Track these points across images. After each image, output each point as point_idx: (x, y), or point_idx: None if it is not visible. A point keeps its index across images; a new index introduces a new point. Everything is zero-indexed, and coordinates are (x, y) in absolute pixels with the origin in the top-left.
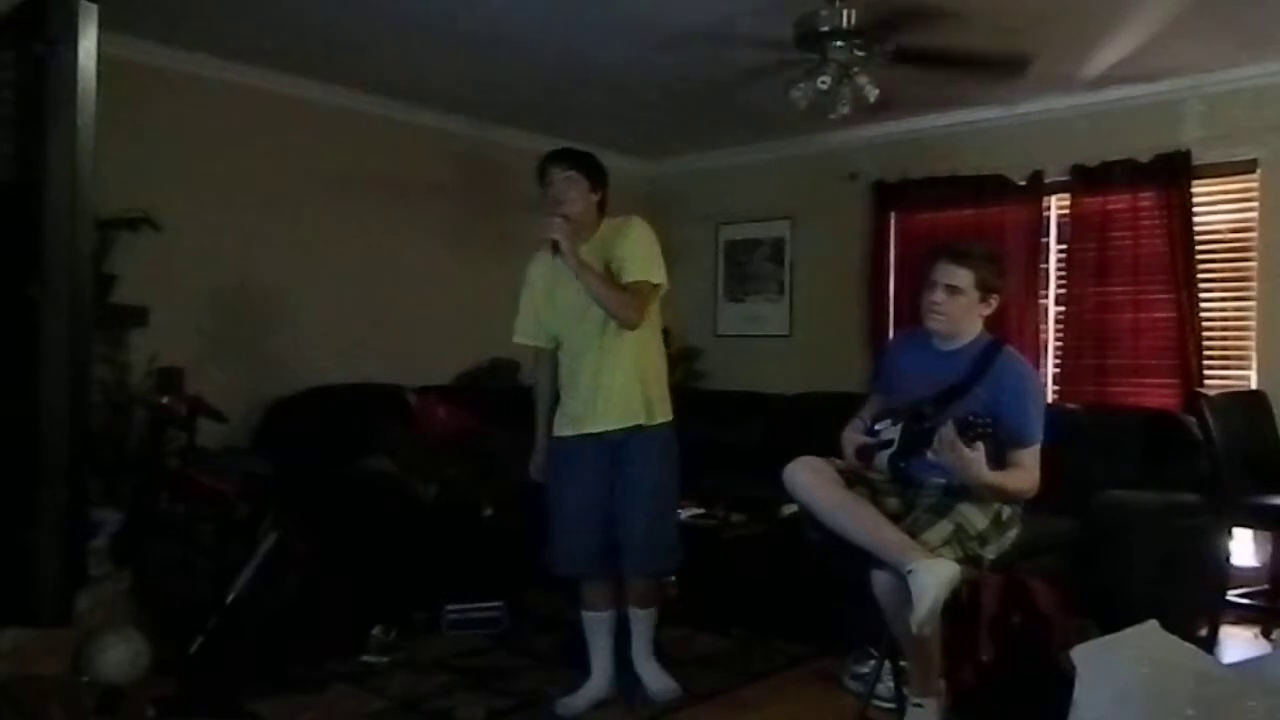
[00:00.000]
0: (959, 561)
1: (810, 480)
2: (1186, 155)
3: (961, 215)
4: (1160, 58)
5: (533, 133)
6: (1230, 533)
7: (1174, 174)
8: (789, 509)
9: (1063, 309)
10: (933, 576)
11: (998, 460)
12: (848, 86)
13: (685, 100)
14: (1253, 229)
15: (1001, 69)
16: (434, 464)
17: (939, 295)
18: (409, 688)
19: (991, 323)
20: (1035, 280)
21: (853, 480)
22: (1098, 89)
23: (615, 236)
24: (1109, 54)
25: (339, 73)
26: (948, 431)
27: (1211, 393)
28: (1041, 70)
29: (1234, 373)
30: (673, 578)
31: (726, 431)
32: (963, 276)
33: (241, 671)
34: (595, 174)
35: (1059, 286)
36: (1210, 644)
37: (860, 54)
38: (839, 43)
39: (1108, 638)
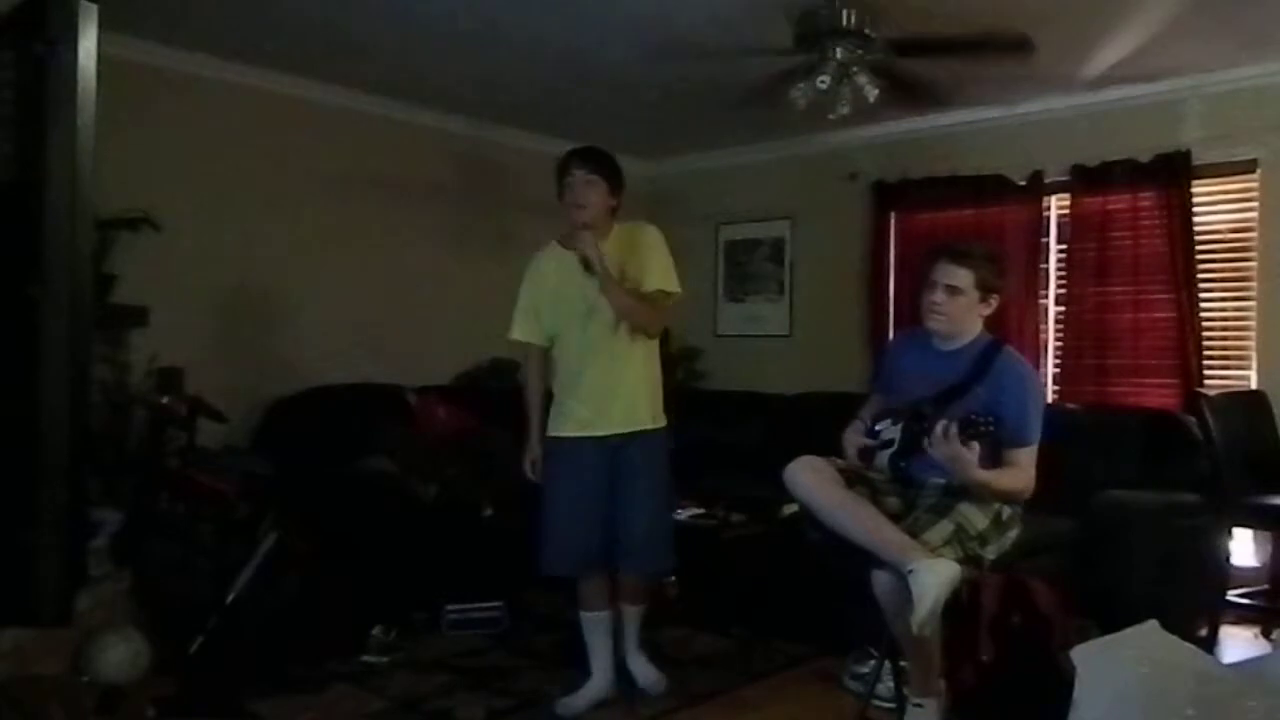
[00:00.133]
0: (959, 561)
1: (810, 480)
2: (1186, 155)
3: (961, 215)
4: (1160, 58)
5: (533, 133)
6: (1230, 533)
7: (1174, 174)
8: (789, 509)
9: (1063, 309)
10: (933, 576)
11: (995, 460)
12: (847, 86)
13: (685, 100)
14: (1253, 229)
15: (1003, 50)
16: (434, 464)
17: (939, 295)
18: (409, 688)
19: (991, 323)
20: (1035, 280)
21: (853, 480)
22: (1098, 89)
23: (629, 242)
24: (1109, 54)
25: (339, 73)
26: (944, 426)
27: (1211, 393)
28: (1041, 70)
29: (1234, 373)
30: (673, 578)
31: (726, 431)
32: (963, 276)
33: (241, 671)
34: (616, 178)
35: (1059, 286)
36: (1210, 644)
37: (860, 54)
38: (839, 43)
39: (1108, 638)
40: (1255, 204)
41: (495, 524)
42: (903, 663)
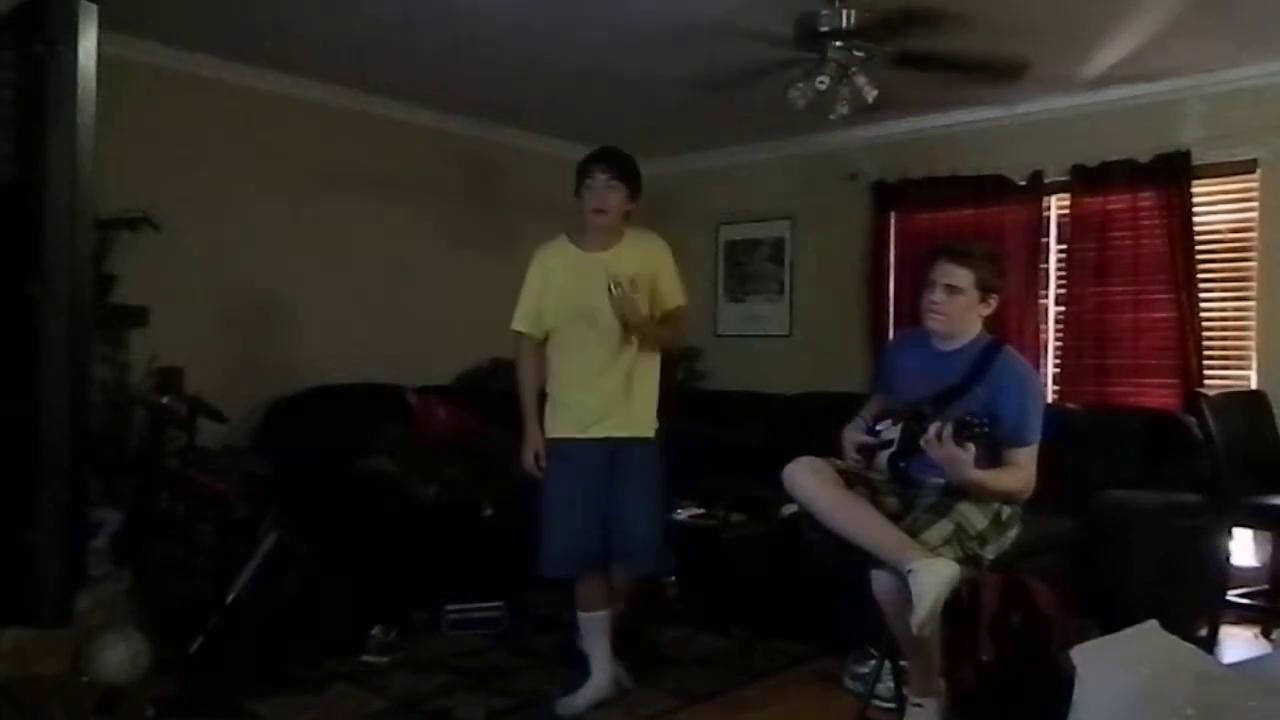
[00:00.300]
0: (959, 561)
1: (810, 480)
2: (1186, 155)
3: (961, 215)
4: (1160, 58)
5: (533, 133)
6: (1230, 533)
7: (1174, 174)
8: (789, 509)
9: (1063, 309)
10: (933, 576)
11: (993, 460)
12: (847, 86)
13: (685, 100)
14: (1253, 229)
15: (999, 73)
16: (434, 464)
17: (938, 295)
18: (409, 688)
19: (991, 323)
20: (1035, 280)
21: (853, 480)
22: (1098, 89)
23: (643, 253)
24: (1109, 54)
25: (339, 73)
26: (939, 428)
27: (1211, 393)
28: (1041, 70)
29: (1234, 373)
30: (673, 578)
31: (726, 431)
32: (962, 276)
33: (241, 671)
34: (636, 183)
35: (1059, 286)
36: (1210, 644)
37: (860, 54)
38: (838, 43)
39: (1108, 638)
40: (1255, 204)
41: (495, 524)
42: (903, 663)
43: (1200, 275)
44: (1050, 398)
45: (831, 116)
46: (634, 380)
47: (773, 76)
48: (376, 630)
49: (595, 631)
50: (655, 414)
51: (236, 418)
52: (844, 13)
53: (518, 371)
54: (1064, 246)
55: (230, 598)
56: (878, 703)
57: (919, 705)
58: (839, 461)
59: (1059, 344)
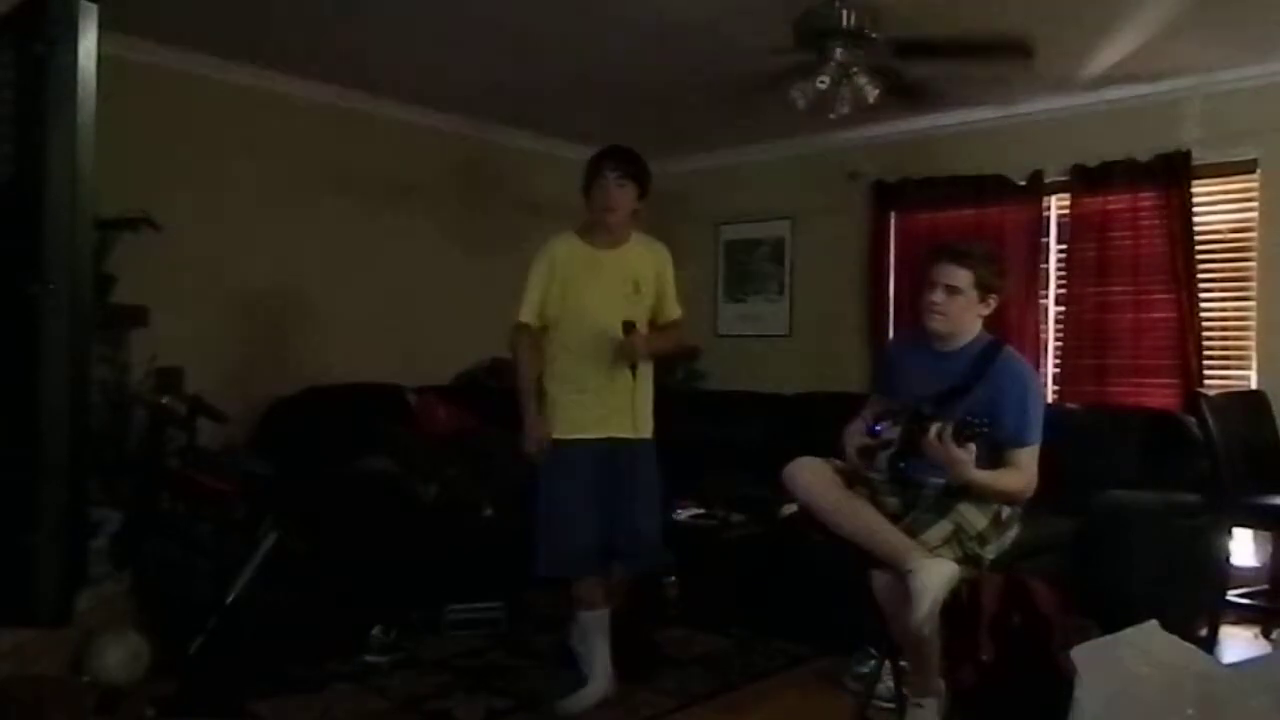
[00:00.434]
0: (958, 561)
1: (810, 480)
2: (1186, 155)
3: (961, 215)
4: (1160, 58)
5: (533, 133)
6: (1230, 533)
7: (1174, 174)
8: (789, 509)
9: (1063, 309)
10: (932, 576)
11: (994, 460)
12: (847, 86)
13: (685, 100)
14: (1253, 229)
15: (1008, 53)
16: (434, 464)
17: (938, 295)
18: (409, 688)
19: (991, 323)
20: (1035, 280)
21: (853, 480)
22: (1098, 89)
23: (649, 255)
24: (1109, 54)
25: (339, 73)
26: (938, 429)
27: (1211, 393)
28: (1041, 70)
29: (1234, 373)
30: (673, 577)
31: (726, 431)
32: (962, 276)
33: (241, 671)
34: (645, 182)
35: (1059, 286)
36: (1210, 644)
37: (860, 54)
38: (839, 43)
39: (1108, 638)
40: (1255, 204)
41: (495, 524)
42: (903, 663)
43: (1200, 275)
44: (1050, 398)
45: (832, 116)
46: (639, 385)
47: (773, 76)
48: (376, 630)
49: (595, 630)
50: (652, 414)
51: (236, 418)
52: (844, 12)
53: (518, 362)
54: (1064, 246)
55: (230, 598)
56: (878, 703)
57: (919, 705)
58: (839, 461)
59: (1059, 344)
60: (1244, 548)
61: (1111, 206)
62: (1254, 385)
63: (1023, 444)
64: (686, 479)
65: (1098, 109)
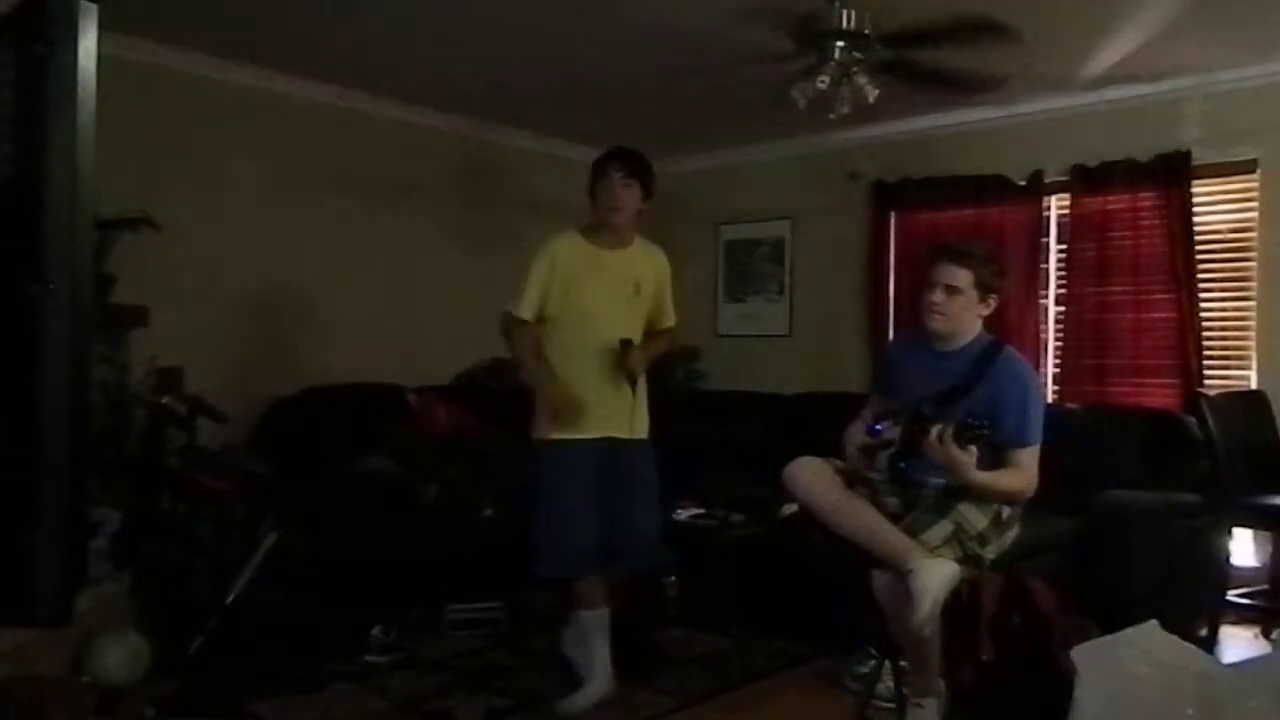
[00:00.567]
0: (959, 561)
1: (810, 480)
2: (1186, 155)
3: (961, 215)
4: (1160, 58)
5: (533, 133)
6: (1230, 533)
7: (1174, 174)
8: (789, 509)
9: (1063, 309)
10: (932, 576)
11: (994, 461)
12: (847, 86)
13: (685, 100)
14: (1253, 229)
15: (973, 88)
16: (434, 464)
17: (938, 295)
18: (409, 688)
19: (991, 323)
20: (1035, 280)
21: (853, 480)
22: (1098, 89)
23: (651, 260)
24: (1109, 54)
25: (339, 73)
26: (939, 431)
27: (1211, 393)
28: (1041, 70)
29: (1234, 373)
30: (673, 578)
31: (726, 431)
32: (962, 276)
33: (241, 671)
34: (650, 183)
35: (1059, 286)
36: (1210, 644)
37: (860, 54)
38: (839, 42)
39: (1108, 638)
40: (1255, 204)
41: (495, 524)
42: (903, 663)
43: (1200, 275)
44: (1050, 398)
45: (832, 116)
46: (645, 387)
47: (773, 76)
48: (376, 630)
49: (595, 630)
50: (648, 415)
51: (236, 418)
52: (844, 13)
53: (516, 346)
54: (1064, 246)
55: (230, 598)
56: (878, 703)
57: (919, 705)
58: (839, 461)
59: (1059, 344)
60: (1244, 548)
61: (1111, 206)
62: (1254, 385)
63: (1023, 444)
64: (686, 479)
65: (1098, 109)
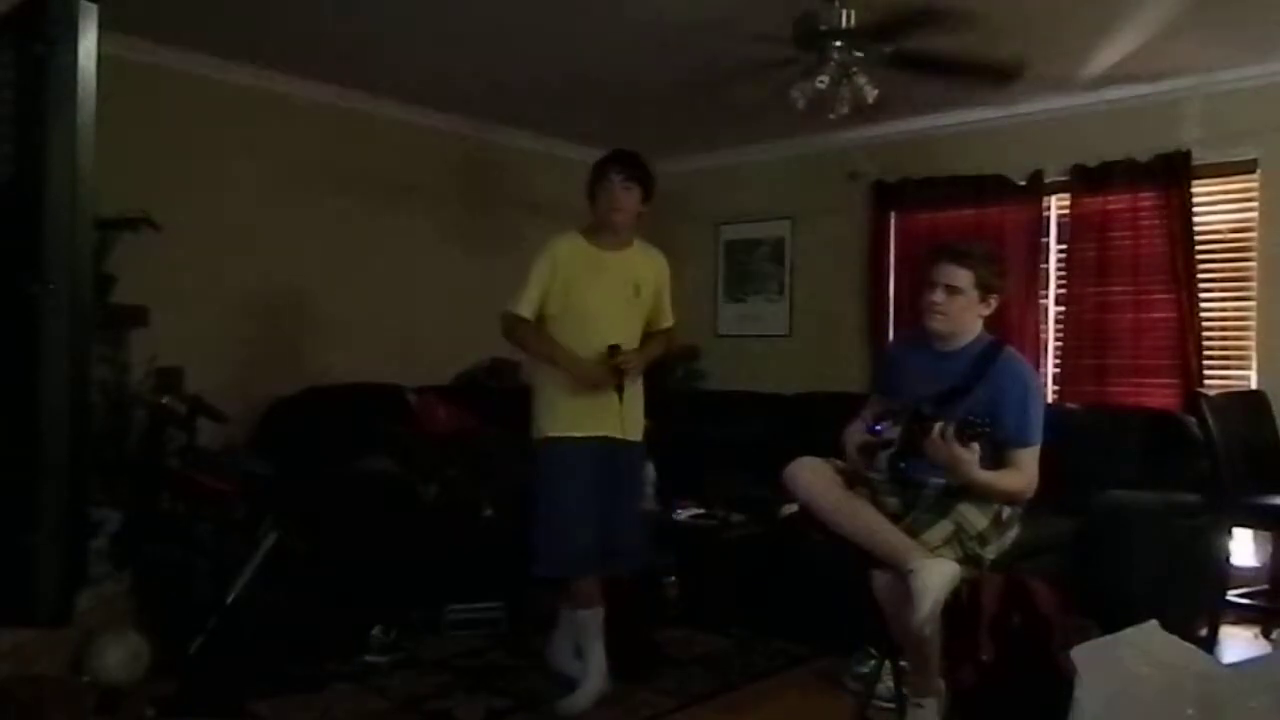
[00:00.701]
0: (959, 561)
1: (810, 480)
2: (1186, 155)
3: (961, 215)
4: (1160, 58)
5: (533, 133)
6: (1230, 533)
7: (1174, 174)
8: (789, 509)
9: (1063, 309)
10: (933, 576)
11: (995, 461)
12: (847, 87)
13: (685, 100)
14: (1253, 229)
15: (996, 76)
16: (434, 464)
17: (938, 295)
18: (409, 688)
19: (991, 323)
20: (1035, 280)
21: (853, 480)
22: (1098, 89)
23: (648, 263)
24: (1109, 54)
25: (339, 73)
26: (941, 429)
27: (1211, 393)
28: (1041, 70)
29: (1234, 373)
30: (673, 578)
31: (726, 431)
32: (962, 276)
33: (241, 671)
34: (650, 186)
35: (1059, 286)
36: (1210, 644)
37: (859, 54)
38: (838, 43)
39: (1108, 638)
40: (1255, 204)
41: (495, 524)
42: (903, 663)
43: (1200, 275)
44: (1050, 398)
45: (832, 116)
46: (635, 387)
47: (773, 76)
48: (376, 630)
49: (592, 629)
50: (643, 419)
51: (236, 418)
52: (844, 13)
53: (528, 341)
54: (1064, 246)
55: (230, 598)
56: (878, 703)
57: (919, 705)
58: (839, 461)
59: (1059, 344)
60: (1244, 548)
61: (1111, 206)
62: (1254, 385)
63: (1024, 444)
64: (686, 479)
65: (1098, 109)
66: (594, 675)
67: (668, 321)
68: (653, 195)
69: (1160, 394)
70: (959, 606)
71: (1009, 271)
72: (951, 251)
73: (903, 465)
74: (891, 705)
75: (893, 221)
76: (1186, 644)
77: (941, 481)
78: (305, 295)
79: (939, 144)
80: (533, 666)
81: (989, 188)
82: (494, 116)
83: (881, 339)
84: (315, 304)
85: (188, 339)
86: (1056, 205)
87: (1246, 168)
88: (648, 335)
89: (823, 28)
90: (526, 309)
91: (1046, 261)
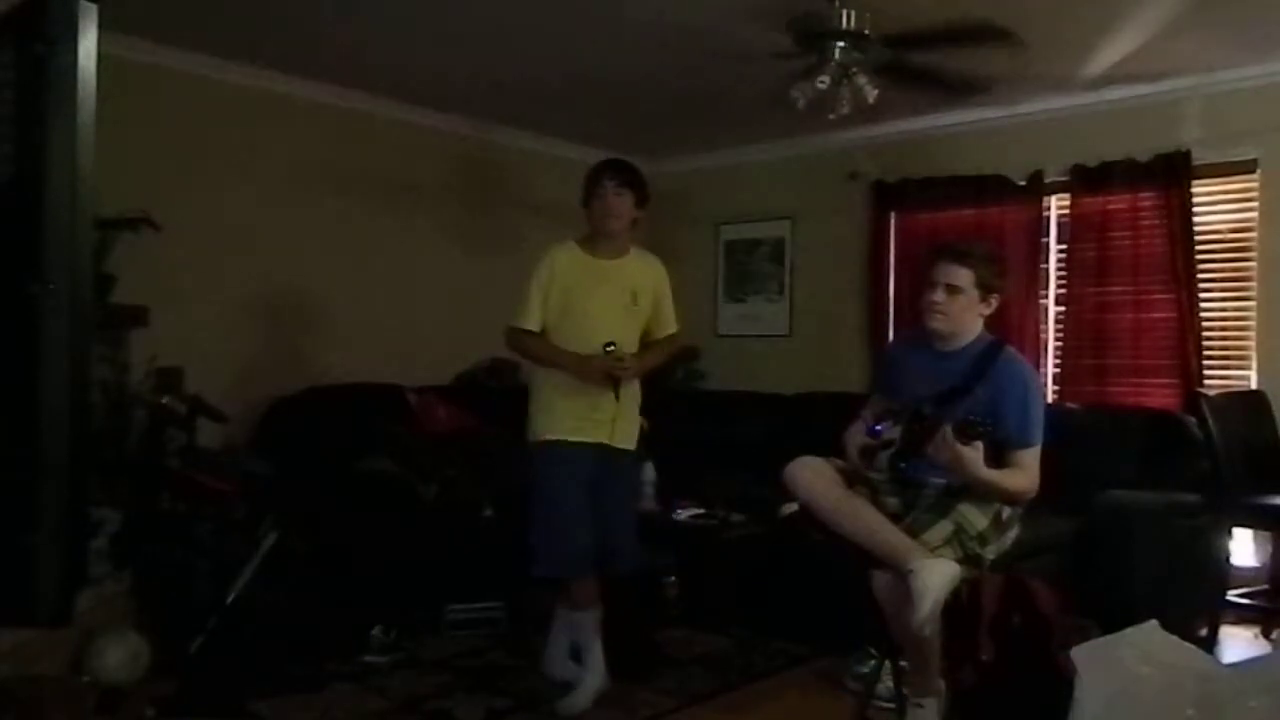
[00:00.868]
0: (959, 561)
1: (810, 480)
2: (1186, 155)
3: (961, 215)
4: (1160, 58)
5: (534, 133)
6: (1230, 533)
7: (1174, 174)
8: (789, 508)
9: (1063, 309)
10: (933, 576)
11: (997, 461)
12: (847, 86)
13: (685, 100)
14: (1253, 229)
15: (963, 92)
16: (434, 464)
17: (939, 295)
18: (409, 688)
19: (991, 323)
20: (1035, 280)
21: (853, 480)
22: (1098, 89)
23: (647, 269)
24: (1109, 54)
25: (339, 73)
26: (944, 432)
27: (1211, 393)
28: (1041, 70)
29: (1234, 373)
30: (673, 578)
31: (726, 431)
32: (963, 276)
33: (241, 671)
34: (643, 192)
35: (1059, 286)
36: (1210, 644)
37: (860, 55)
38: (839, 43)
39: (1108, 638)
40: (1255, 204)
41: (495, 524)
42: (903, 663)
43: (1200, 275)
44: (1050, 398)
45: (832, 116)
46: (632, 392)
47: (774, 77)
48: (376, 630)
49: (589, 628)
50: (637, 427)
51: (236, 418)
52: (844, 13)
53: (525, 347)
54: (1064, 246)
55: (230, 598)
56: (878, 703)
57: (919, 705)
58: (839, 461)
59: (1059, 344)
60: (1244, 548)
61: (1111, 206)
62: (1254, 385)
63: (1025, 444)
64: (686, 479)
65: (1098, 109)
66: (593, 673)
67: (670, 328)
68: (647, 201)
69: (1160, 394)
70: (959, 606)
71: (1009, 271)
72: (952, 251)
73: (903, 465)
74: (891, 705)
75: (893, 221)
76: (1186, 644)
77: (942, 481)
78: (305, 295)
79: (939, 144)
80: (533, 666)
81: (989, 188)
82: (494, 116)
83: (881, 339)
84: (315, 304)
85: (188, 339)
86: (1056, 205)
87: (1246, 168)
88: (647, 344)
89: (823, 28)
90: (530, 320)
91: (1046, 261)
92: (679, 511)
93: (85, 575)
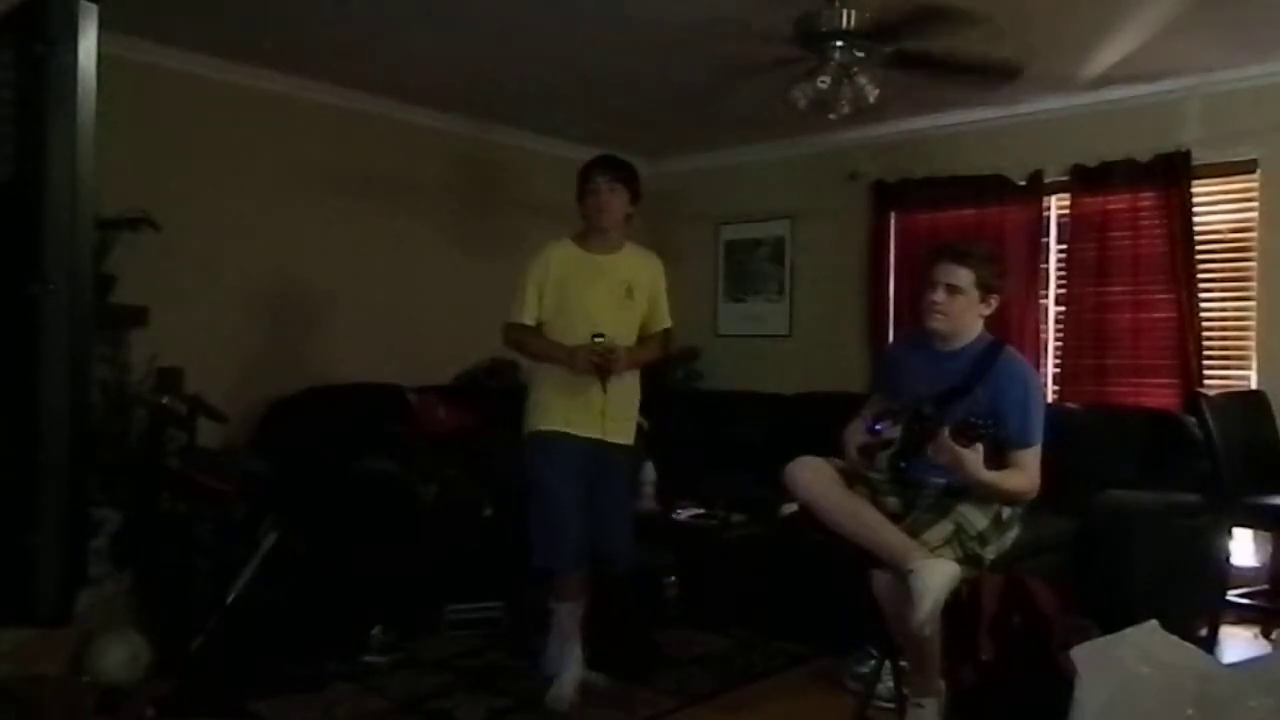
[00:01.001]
0: (959, 561)
1: (810, 480)
2: (1186, 155)
3: (961, 215)
4: (1160, 58)
5: (533, 133)
6: (1230, 533)
7: (1174, 174)
8: (789, 508)
9: (1063, 309)
10: (933, 576)
11: (997, 461)
12: (848, 86)
13: (685, 100)
14: (1253, 229)
15: (994, 76)
16: (434, 464)
17: (939, 295)
18: (409, 688)
19: (991, 323)
20: (1035, 280)
21: (853, 480)
22: (1098, 89)
23: (642, 264)
24: (1109, 54)
25: (339, 73)
26: (945, 436)
27: (1211, 393)
28: (1041, 70)
29: (1234, 373)
30: (673, 578)
31: (726, 431)
32: (963, 276)
33: (241, 671)
34: (635, 188)
35: (1059, 286)
36: (1210, 644)
37: (860, 54)
38: (839, 43)
39: (1108, 638)
40: (1255, 204)
41: (495, 524)
42: (903, 663)
43: (1200, 275)
44: (1050, 398)
45: (832, 116)
46: (627, 390)
47: (774, 76)
48: (376, 630)
49: (572, 620)
50: (635, 424)
51: (236, 418)
52: (844, 13)
53: (525, 344)
54: (1064, 246)
55: (230, 598)
56: (878, 703)
57: (919, 705)
58: (839, 461)
59: (1059, 344)
60: (1244, 548)
61: (1111, 206)
62: (1254, 385)
63: (1026, 445)
64: (686, 479)
65: (1098, 109)
66: (570, 664)
67: (664, 323)
68: (639, 197)
69: (1160, 394)
70: (959, 606)
71: (1009, 271)
72: (952, 251)
73: (903, 465)
74: (891, 705)
75: (893, 221)
76: (1186, 644)
77: (942, 481)
78: (305, 295)
79: (939, 144)
80: (533, 666)
81: (989, 188)
82: (494, 116)
83: (881, 339)
84: (315, 304)
85: (188, 339)
86: (1056, 205)
87: (1246, 168)
88: (641, 338)
89: (823, 28)
90: (526, 315)
91: (1046, 261)
92: (679, 511)
93: (85, 575)
